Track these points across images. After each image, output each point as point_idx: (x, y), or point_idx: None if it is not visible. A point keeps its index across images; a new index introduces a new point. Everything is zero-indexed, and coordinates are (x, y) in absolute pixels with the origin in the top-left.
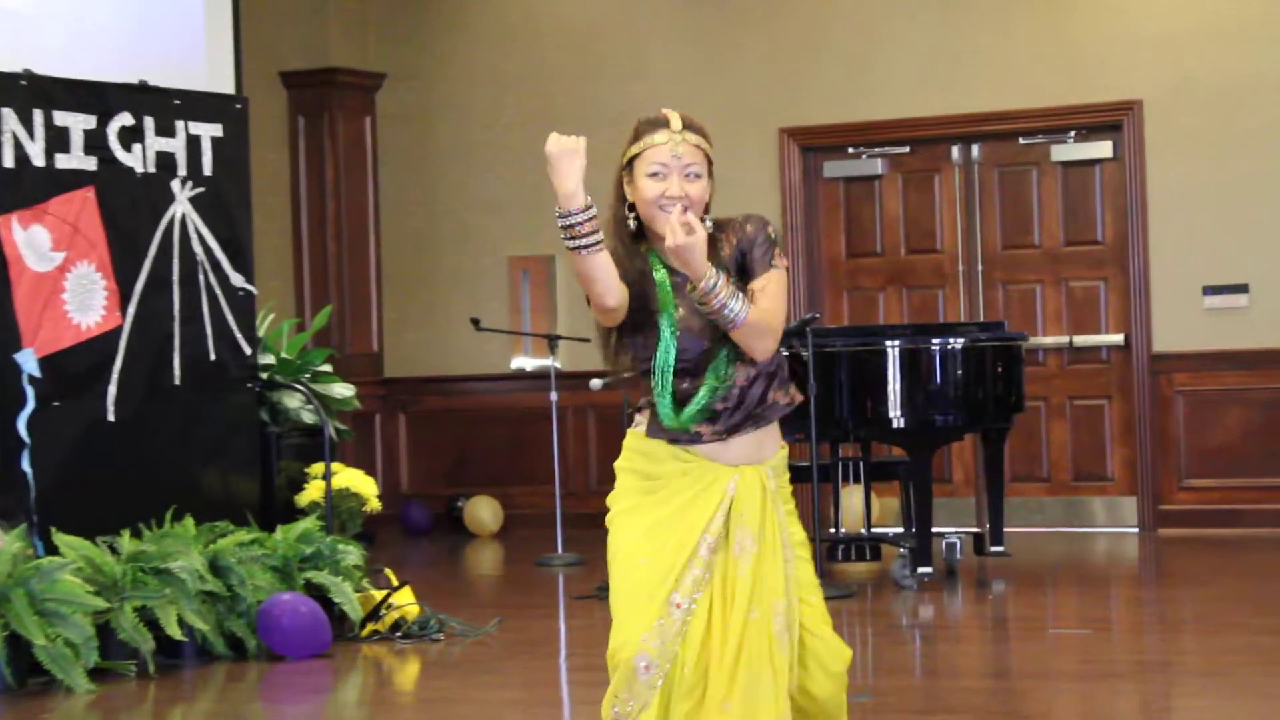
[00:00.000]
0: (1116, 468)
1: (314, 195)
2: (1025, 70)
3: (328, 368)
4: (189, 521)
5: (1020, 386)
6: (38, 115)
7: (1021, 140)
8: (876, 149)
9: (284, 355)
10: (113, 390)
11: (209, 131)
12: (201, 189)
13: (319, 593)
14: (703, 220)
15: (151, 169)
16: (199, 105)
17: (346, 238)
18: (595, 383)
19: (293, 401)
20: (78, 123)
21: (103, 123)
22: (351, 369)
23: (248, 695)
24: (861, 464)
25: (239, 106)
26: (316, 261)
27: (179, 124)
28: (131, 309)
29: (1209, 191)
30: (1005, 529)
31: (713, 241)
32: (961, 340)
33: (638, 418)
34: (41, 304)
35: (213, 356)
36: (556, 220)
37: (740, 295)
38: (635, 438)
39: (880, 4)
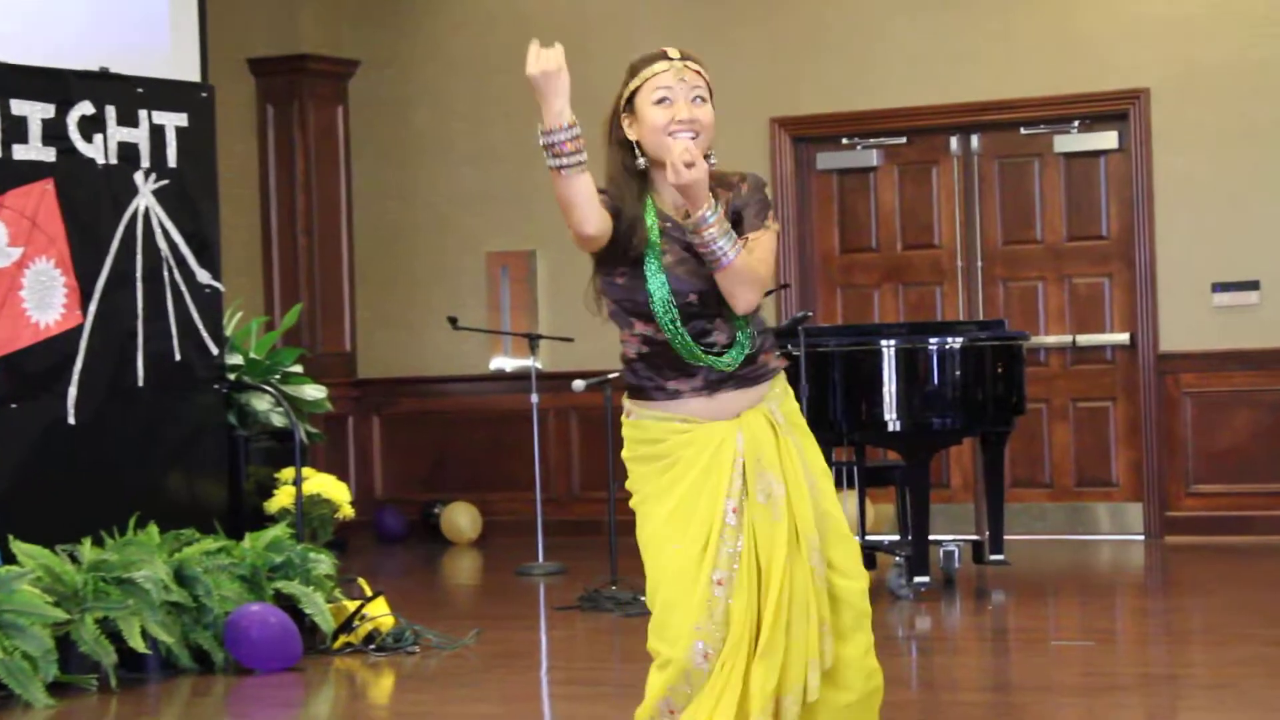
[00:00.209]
0: (1121, 472)
1: (284, 188)
2: (1027, 57)
3: (298, 368)
4: (153, 529)
5: (1021, 388)
6: None
7: (1023, 130)
8: (872, 140)
9: (252, 355)
10: (73, 391)
11: (173, 121)
12: (166, 181)
13: (289, 603)
14: (707, 157)
15: (113, 160)
16: (163, 93)
17: (318, 232)
18: (578, 384)
19: (262, 403)
20: (35, 111)
21: (62, 112)
22: (323, 369)
23: (214, 710)
24: (856, 469)
25: (205, 95)
26: (286, 257)
27: (142, 113)
28: (93, 307)
29: (1218, 184)
30: (1005, 536)
31: (711, 195)
32: (960, 340)
33: (627, 405)
34: None
35: (178, 356)
36: (539, 139)
37: (733, 236)
38: (629, 427)
39: None
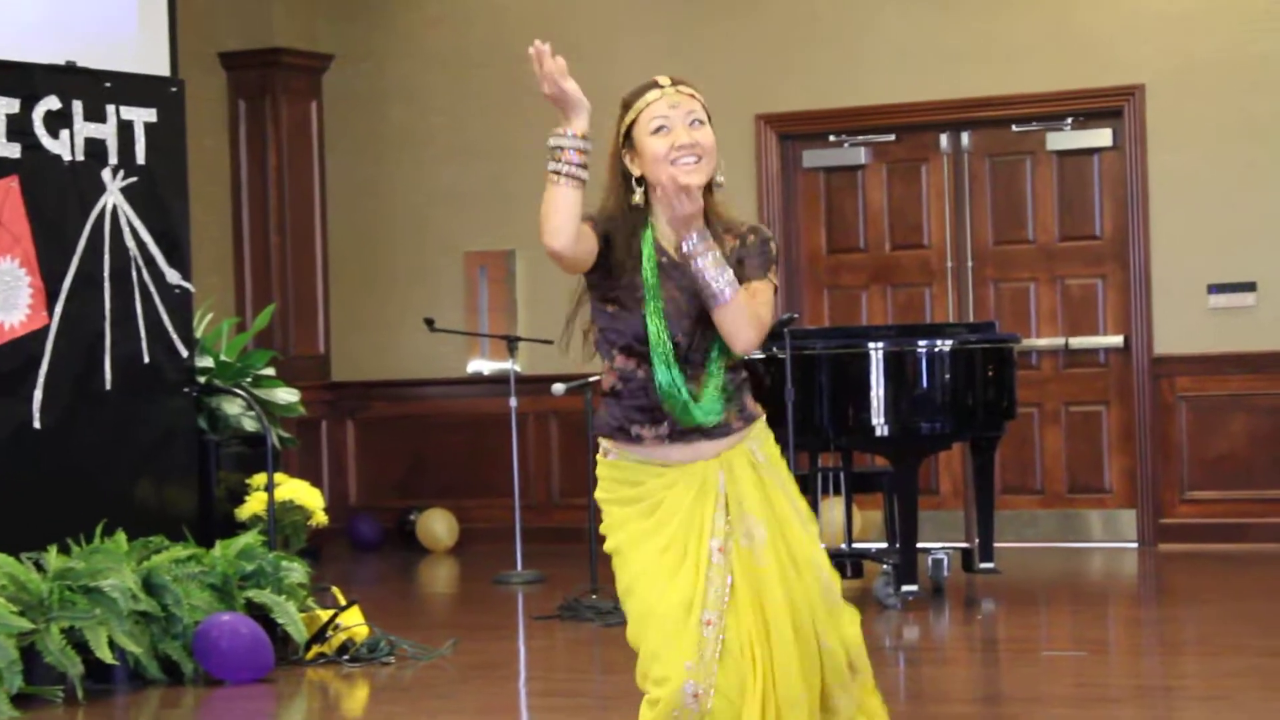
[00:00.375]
0: (1114, 478)
1: (256, 185)
2: (1019, 53)
3: (270, 371)
4: (121, 536)
5: (1012, 391)
6: None
7: (1015, 128)
8: (860, 137)
9: (223, 358)
10: (39, 395)
11: (142, 116)
12: (134, 178)
13: (260, 613)
14: (716, 184)
15: (80, 157)
16: (132, 88)
17: (291, 231)
18: (558, 387)
19: (233, 407)
20: (0, 106)
21: (27, 106)
22: (296, 372)
23: None
24: (843, 474)
25: (175, 90)
26: (258, 257)
27: (110, 108)
28: (59, 308)
29: (1214, 183)
30: (996, 544)
31: (716, 237)
32: (950, 342)
33: (604, 445)
34: None
35: (146, 359)
36: (550, 139)
37: (730, 273)
38: (605, 466)
39: None
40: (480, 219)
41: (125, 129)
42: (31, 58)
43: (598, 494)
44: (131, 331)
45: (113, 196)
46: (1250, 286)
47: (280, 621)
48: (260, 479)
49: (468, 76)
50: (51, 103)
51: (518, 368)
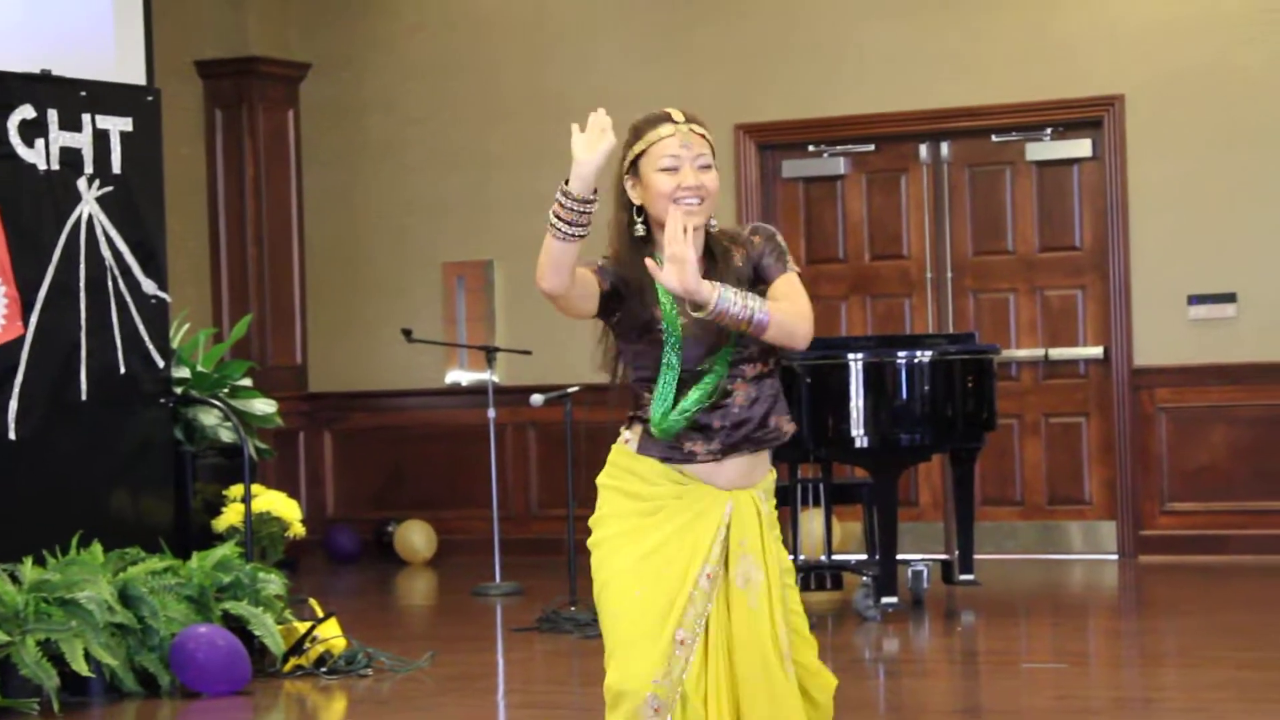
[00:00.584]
0: (1094, 490)
1: (232, 195)
2: (998, 63)
3: (247, 381)
4: (97, 548)
5: (992, 403)
6: None
7: (994, 138)
8: (839, 147)
9: (200, 368)
10: (14, 406)
11: (118, 125)
12: (110, 188)
13: (238, 625)
14: (708, 225)
15: (55, 166)
16: (107, 97)
17: (267, 241)
18: (536, 398)
19: (209, 418)
20: None
21: (2, 115)
22: (273, 383)
23: None
24: (822, 486)
25: (151, 98)
26: (235, 266)
27: (85, 117)
28: (34, 318)
29: (1195, 194)
30: (975, 556)
31: (725, 255)
32: (929, 353)
33: (626, 433)
34: None
35: (123, 369)
36: (558, 195)
37: (753, 295)
38: (624, 454)
39: None
40: (458, 229)
41: (101, 138)
42: (6, 66)
43: (602, 478)
44: (107, 342)
45: (88, 206)
46: (1230, 297)
47: (257, 634)
48: (237, 490)
49: (446, 86)
50: (26, 111)
51: (496, 378)
